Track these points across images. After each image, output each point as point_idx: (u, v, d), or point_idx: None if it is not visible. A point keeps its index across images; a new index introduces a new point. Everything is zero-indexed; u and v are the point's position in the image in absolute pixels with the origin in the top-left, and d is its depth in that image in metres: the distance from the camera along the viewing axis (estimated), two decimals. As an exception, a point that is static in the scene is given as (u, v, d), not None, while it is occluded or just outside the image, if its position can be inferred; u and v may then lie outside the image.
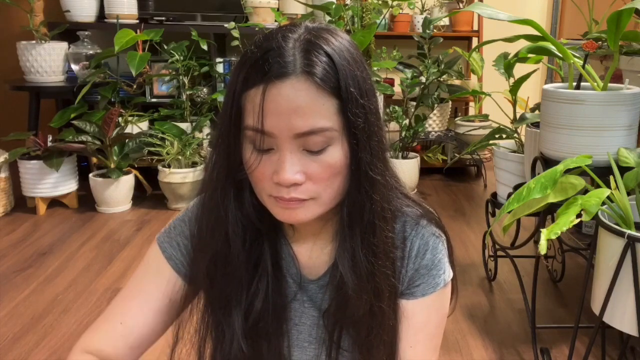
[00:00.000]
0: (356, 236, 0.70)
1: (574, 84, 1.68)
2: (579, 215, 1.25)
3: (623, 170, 1.41)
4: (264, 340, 0.76)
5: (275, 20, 3.15)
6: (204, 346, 0.78)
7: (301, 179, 0.65)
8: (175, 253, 0.79)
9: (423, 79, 3.19)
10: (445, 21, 3.74)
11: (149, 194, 3.22)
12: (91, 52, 3.20)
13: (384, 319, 0.73)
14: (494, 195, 2.33)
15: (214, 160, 0.71)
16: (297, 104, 0.62)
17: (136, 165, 3.13)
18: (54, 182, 2.96)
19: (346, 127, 0.65)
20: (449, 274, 0.77)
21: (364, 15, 2.97)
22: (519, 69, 2.27)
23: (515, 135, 2.30)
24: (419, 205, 0.78)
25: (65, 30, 3.14)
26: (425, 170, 3.64)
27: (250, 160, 0.67)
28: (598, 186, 1.36)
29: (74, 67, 3.21)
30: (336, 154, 0.65)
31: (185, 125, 3.15)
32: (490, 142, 2.34)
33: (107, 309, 0.80)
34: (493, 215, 2.30)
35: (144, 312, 0.77)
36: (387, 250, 0.72)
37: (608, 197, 1.31)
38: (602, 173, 1.40)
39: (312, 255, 0.78)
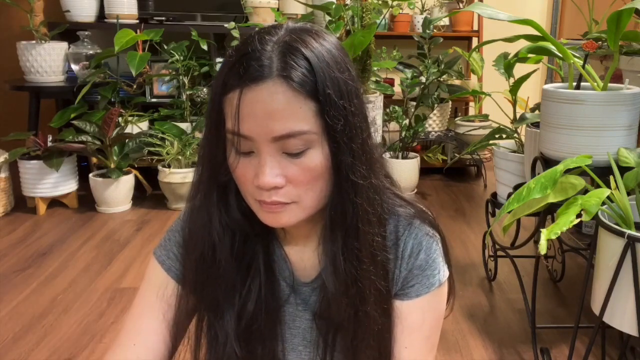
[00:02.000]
0: (337, 240, 0.69)
1: (574, 84, 1.67)
2: (579, 215, 1.25)
3: (623, 170, 1.41)
4: (257, 343, 0.76)
5: (275, 20, 3.15)
6: (198, 348, 0.77)
7: (281, 182, 0.64)
8: (174, 264, 0.79)
9: (423, 79, 3.18)
10: (445, 21, 3.74)
11: (149, 194, 3.22)
12: (91, 52, 3.20)
13: (369, 324, 0.71)
14: (494, 195, 2.33)
15: (200, 164, 0.71)
16: (274, 108, 0.62)
17: (136, 165, 3.12)
18: (54, 182, 2.96)
19: (325, 130, 0.64)
20: (444, 273, 0.76)
21: (364, 15, 2.96)
22: (519, 69, 2.27)
23: (515, 135, 2.30)
24: (412, 205, 0.77)
25: (65, 30, 3.14)
26: (425, 170, 3.63)
27: (230, 162, 0.67)
28: (598, 186, 1.36)
29: (74, 67, 3.21)
30: (316, 157, 0.65)
31: (185, 125, 3.15)
32: (490, 142, 2.34)
33: (119, 333, 0.79)
34: (493, 215, 2.29)
35: (154, 328, 0.77)
36: (373, 254, 0.70)
37: (608, 197, 1.30)
38: (602, 173, 1.39)
39: (304, 258, 0.78)
